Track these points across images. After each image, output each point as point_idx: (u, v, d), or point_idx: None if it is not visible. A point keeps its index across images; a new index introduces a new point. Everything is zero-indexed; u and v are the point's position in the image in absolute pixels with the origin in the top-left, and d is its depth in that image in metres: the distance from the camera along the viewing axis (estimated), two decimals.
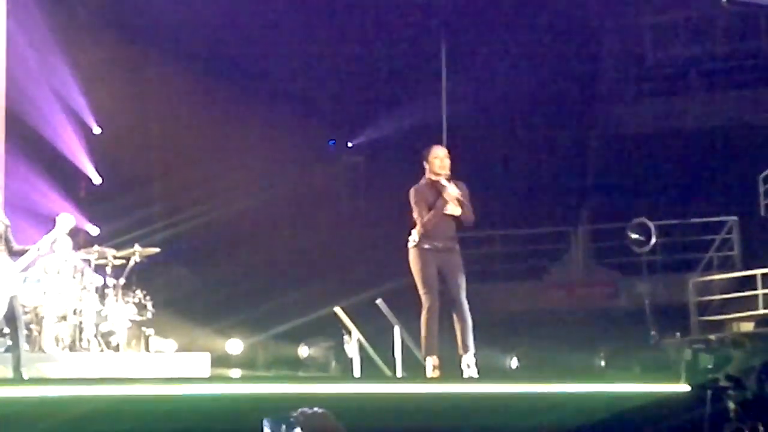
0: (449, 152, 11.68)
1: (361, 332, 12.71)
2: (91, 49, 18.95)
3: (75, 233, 13.82)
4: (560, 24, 22.37)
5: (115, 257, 14.42)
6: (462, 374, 11.37)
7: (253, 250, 19.56)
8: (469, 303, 11.50)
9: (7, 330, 12.11)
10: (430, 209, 11.45)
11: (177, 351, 14.90)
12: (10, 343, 11.98)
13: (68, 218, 12.09)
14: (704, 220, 20.88)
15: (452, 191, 11.44)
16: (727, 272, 20.13)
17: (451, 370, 11.41)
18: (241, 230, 19.88)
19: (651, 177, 22.02)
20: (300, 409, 7.18)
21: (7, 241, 11.61)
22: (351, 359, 12.67)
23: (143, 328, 14.43)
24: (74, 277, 13.89)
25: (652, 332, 17.56)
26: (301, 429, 7.05)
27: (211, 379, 12.66)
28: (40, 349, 13.38)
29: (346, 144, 22.65)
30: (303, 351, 17.70)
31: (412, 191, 11.59)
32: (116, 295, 14.22)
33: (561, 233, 22.12)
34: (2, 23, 15.01)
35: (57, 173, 18.26)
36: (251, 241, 19.77)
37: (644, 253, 19.31)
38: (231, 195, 19.70)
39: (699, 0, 22.62)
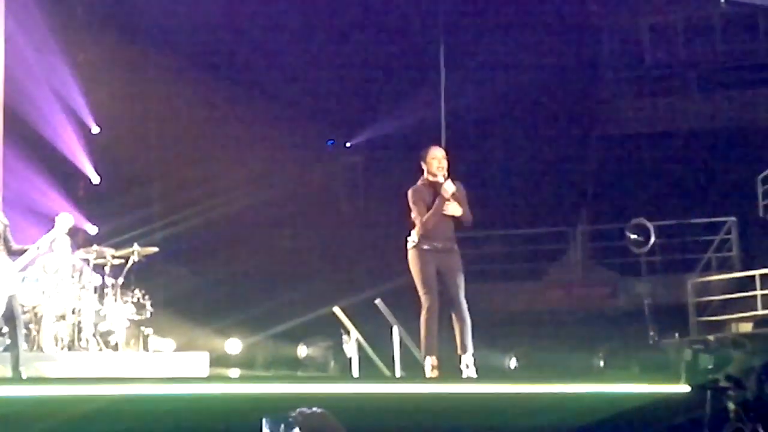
0: (448, 152, 11.69)
1: (360, 332, 12.71)
2: (91, 48, 18.95)
3: (74, 232, 13.81)
4: (560, 24, 22.37)
5: (113, 257, 14.40)
6: (461, 374, 11.36)
7: (251, 249, 19.56)
8: (468, 303, 11.50)
9: (6, 329, 12.09)
10: (428, 209, 11.45)
11: (176, 350, 14.90)
12: (9, 342, 11.96)
13: (67, 218, 12.08)
14: (703, 220, 20.89)
15: (448, 187, 11.43)
16: (726, 273, 20.14)
17: (450, 370, 11.40)
18: (240, 230, 19.88)
19: (650, 177, 22.03)
20: (299, 409, 7.18)
21: (6, 241, 11.61)
22: (350, 359, 12.67)
23: (142, 328, 14.41)
24: (73, 277, 13.88)
25: (651, 332, 17.57)
26: (300, 429, 7.05)
27: (209, 379, 12.64)
28: (39, 349, 13.37)
29: (345, 144, 22.64)
30: (302, 351, 17.69)
31: (410, 192, 11.59)
32: (115, 294, 14.20)
33: (560, 233, 22.12)
34: (1, 22, 15.00)
35: (56, 172, 18.24)
36: (250, 240, 19.78)
37: (643, 254, 19.31)
38: (230, 195, 19.69)
39: (699, 0, 22.64)
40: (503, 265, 21.78)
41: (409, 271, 11.53)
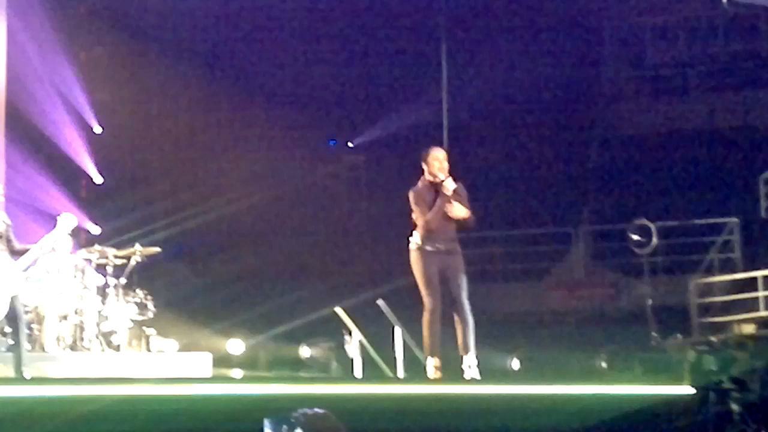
0: (449, 153, 11.68)
1: (363, 333, 12.71)
2: (93, 47, 18.98)
3: (76, 233, 13.78)
4: (560, 24, 22.37)
5: (116, 257, 14.40)
6: (463, 375, 11.36)
7: (254, 249, 19.55)
8: (470, 304, 11.49)
9: (8, 329, 12.10)
10: (430, 210, 11.44)
11: (178, 351, 14.86)
12: (11, 342, 11.96)
13: (70, 218, 12.08)
14: (705, 221, 20.85)
15: (449, 184, 11.42)
16: (729, 274, 20.10)
17: (452, 371, 11.40)
18: (243, 230, 19.88)
19: (652, 178, 22.01)
20: (301, 410, 7.19)
21: (8, 241, 11.60)
22: (352, 360, 12.67)
23: (144, 328, 14.40)
24: (75, 277, 13.87)
25: (653, 334, 17.56)
26: (302, 429, 7.05)
27: (212, 380, 12.65)
28: (42, 349, 13.36)
29: (347, 144, 22.63)
30: (304, 351, 17.66)
31: (411, 193, 11.58)
32: (117, 294, 14.20)
33: (562, 234, 22.09)
34: (3, 21, 15.01)
35: (58, 172, 18.24)
36: (252, 240, 19.77)
37: (645, 255, 19.27)
38: (232, 194, 19.69)
39: (699, 0, 22.63)
40: (505, 265, 21.77)
41: (411, 272, 11.53)
